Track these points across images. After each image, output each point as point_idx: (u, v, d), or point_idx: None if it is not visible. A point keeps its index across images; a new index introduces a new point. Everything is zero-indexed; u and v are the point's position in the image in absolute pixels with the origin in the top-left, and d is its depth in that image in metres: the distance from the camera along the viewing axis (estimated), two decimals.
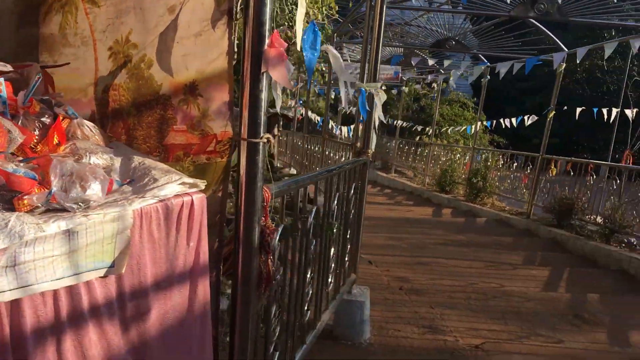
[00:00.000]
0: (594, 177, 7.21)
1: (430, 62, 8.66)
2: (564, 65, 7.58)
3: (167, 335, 1.54)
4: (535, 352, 3.65)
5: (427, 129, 13.13)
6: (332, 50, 2.38)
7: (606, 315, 4.43)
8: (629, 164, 7.63)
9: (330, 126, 13.41)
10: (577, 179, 7.54)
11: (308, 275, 2.47)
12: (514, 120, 9.32)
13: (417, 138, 13.97)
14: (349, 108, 12.50)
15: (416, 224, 8.12)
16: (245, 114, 1.61)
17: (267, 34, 1.57)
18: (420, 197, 11.91)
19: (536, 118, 8.72)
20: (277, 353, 2.15)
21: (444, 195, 10.92)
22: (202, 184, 1.63)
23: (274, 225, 1.80)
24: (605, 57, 6.76)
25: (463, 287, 5.01)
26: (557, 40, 7.53)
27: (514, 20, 7.03)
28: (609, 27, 16.35)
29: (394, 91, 14.86)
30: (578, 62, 6.95)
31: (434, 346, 3.60)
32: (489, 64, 9.52)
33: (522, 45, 9.14)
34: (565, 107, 8.43)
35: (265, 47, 1.56)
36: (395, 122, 15.27)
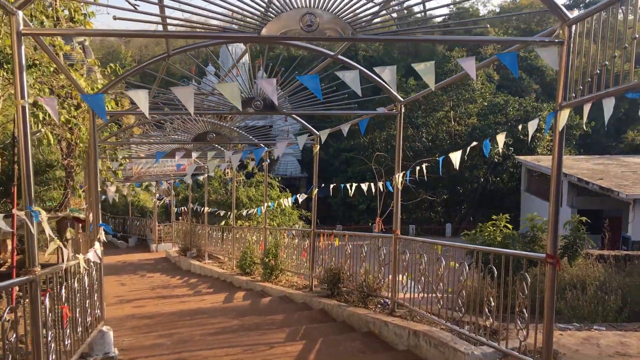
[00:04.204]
0: (350, 246, 7.88)
1: (194, 155, 9.05)
2: (318, 146, 8.43)
3: None
4: None
5: (228, 212, 13.39)
6: None
7: None
8: (381, 230, 8.53)
9: None
10: (340, 250, 8.16)
11: None
12: (291, 198, 9.97)
13: (223, 222, 14.12)
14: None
15: (199, 314, 8.00)
16: None
17: None
18: (225, 282, 11.89)
19: (305, 196, 9.45)
20: None
21: (243, 278, 11.03)
22: None
23: None
24: (345, 135, 7.73)
25: None
26: (308, 125, 8.35)
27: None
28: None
29: (187, 179, 15.03)
30: (323, 142, 7.78)
31: None
32: (266, 148, 10.19)
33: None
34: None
35: None
36: (202, 209, 15.34)
